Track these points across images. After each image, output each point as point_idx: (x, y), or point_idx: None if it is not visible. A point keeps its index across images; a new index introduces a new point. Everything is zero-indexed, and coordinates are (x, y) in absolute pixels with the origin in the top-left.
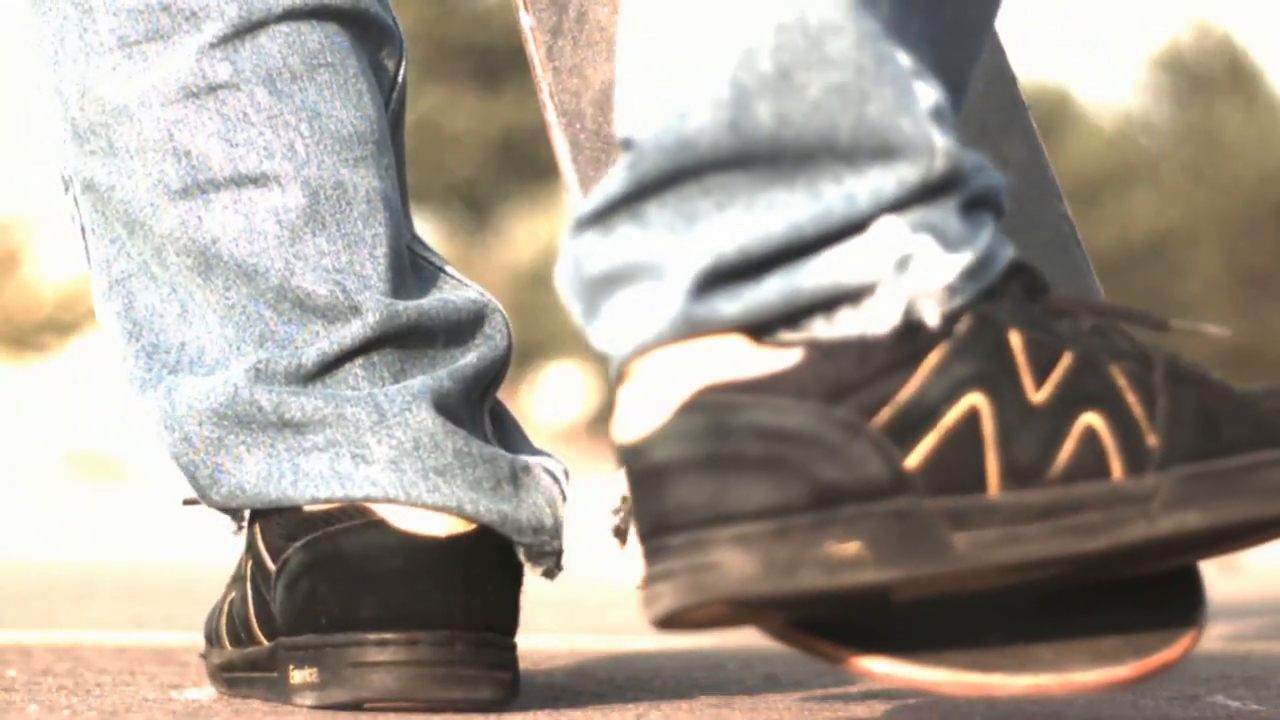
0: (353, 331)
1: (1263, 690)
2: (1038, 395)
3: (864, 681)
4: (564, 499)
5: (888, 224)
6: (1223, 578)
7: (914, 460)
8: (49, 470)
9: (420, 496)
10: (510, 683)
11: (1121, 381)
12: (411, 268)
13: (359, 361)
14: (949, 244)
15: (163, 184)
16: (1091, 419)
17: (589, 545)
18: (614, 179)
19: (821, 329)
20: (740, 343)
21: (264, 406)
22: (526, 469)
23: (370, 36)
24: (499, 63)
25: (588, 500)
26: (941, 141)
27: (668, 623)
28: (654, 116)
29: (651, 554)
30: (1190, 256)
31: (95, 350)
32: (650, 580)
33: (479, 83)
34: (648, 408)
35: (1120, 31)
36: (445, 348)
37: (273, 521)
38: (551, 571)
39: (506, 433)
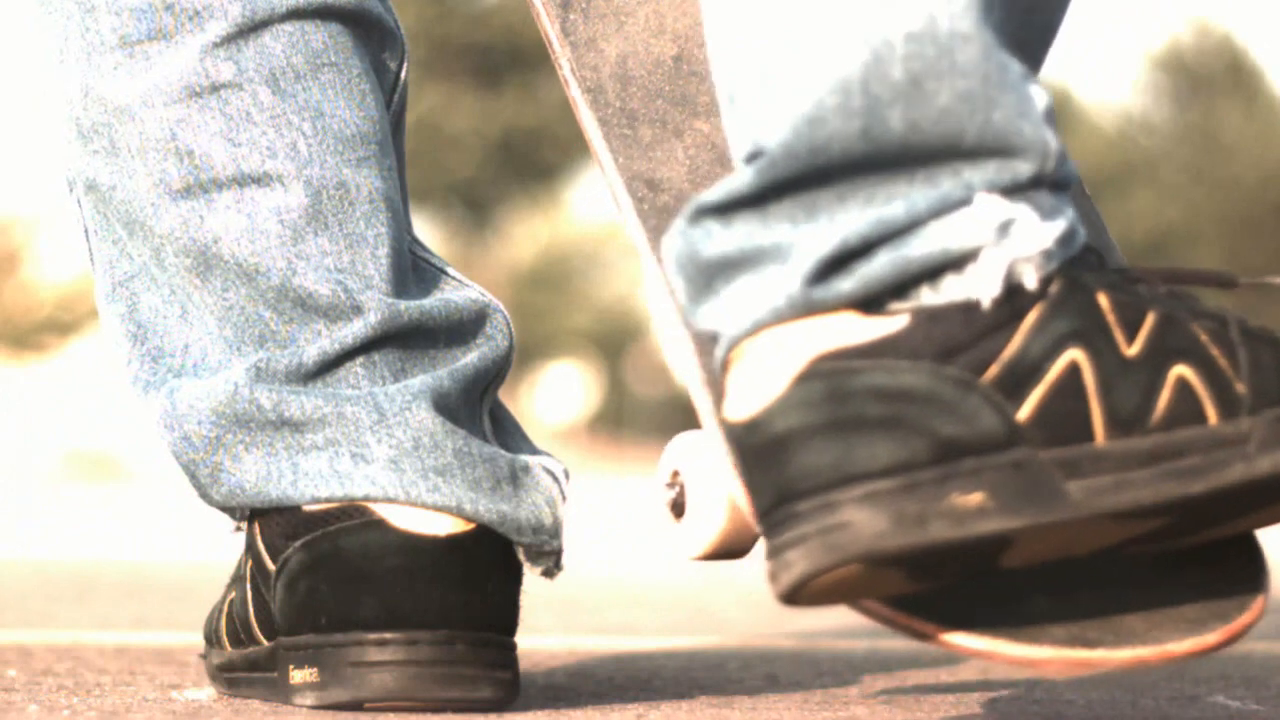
0: (354, 331)
1: (1263, 690)
2: (1130, 350)
3: (864, 681)
4: (564, 499)
5: (990, 197)
6: None
7: (1025, 413)
8: (49, 470)
9: (420, 496)
10: (510, 682)
11: (1204, 337)
12: (412, 269)
13: (360, 360)
14: (1044, 214)
15: (164, 183)
16: (1183, 370)
17: (589, 545)
18: (741, 178)
19: (928, 297)
20: (849, 316)
21: (263, 405)
22: (526, 468)
23: (373, 37)
24: (499, 63)
25: (587, 500)
26: (1054, 143)
27: (796, 593)
28: (786, 125)
29: (776, 524)
30: (1190, 256)
31: (95, 350)
32: (778, 550)
33: (479, 83)
34: (762, 383)
35: (1120, 31)
36: (446, 347)
37: (272, 521)
38: (551, 571)
39: (506, 432)
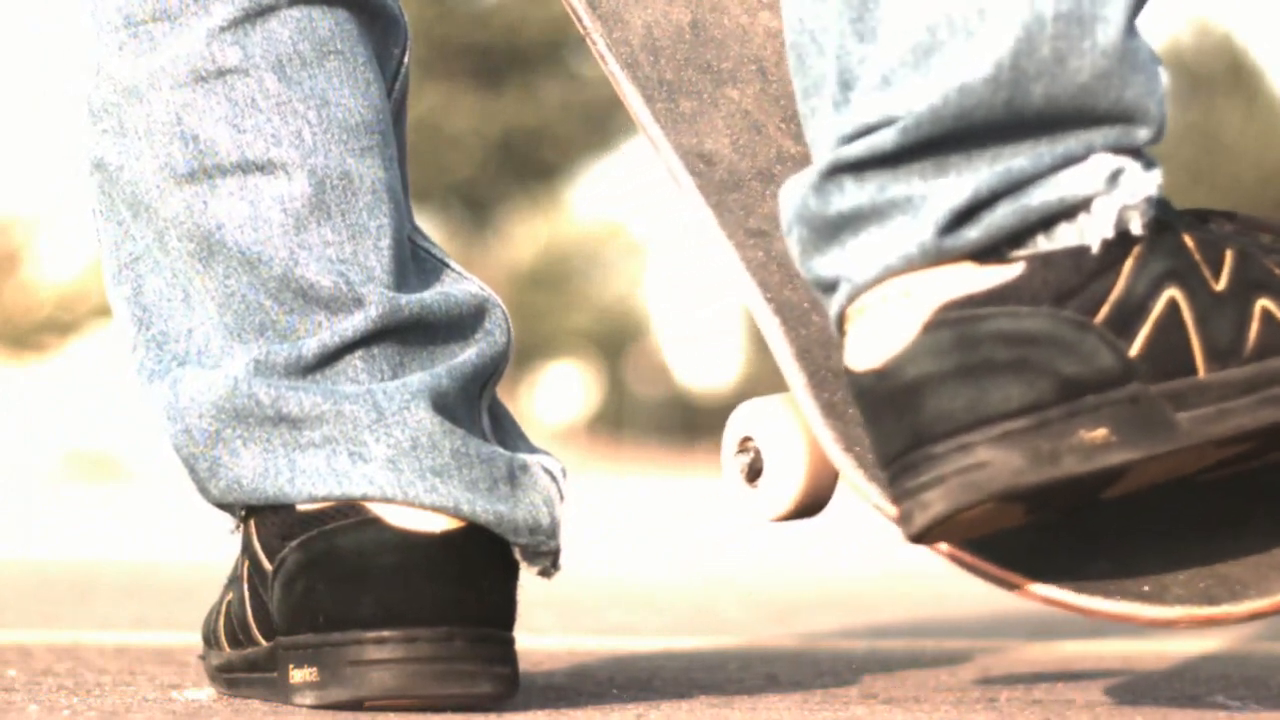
0: (355, 323)
1: (1263, 690)
2: (1219, 286)
3: (864, 681)
4: (561, 498)
5: (1105, 153)
6: None
7: (1135, 349)
8: (49, 470)
9: (418, 496)
10: (510, 677)
11: (1276, 270)
12: (413, 259)
13: (359, 354)
14: (1145, 165)
15: (169, 167)
16: (1266, 303)
17: (589, 545)
18: (883, 138)
19: (1042, 244)
20: (967, 266)
21: (262, 401)
22: (524, 468)
23: (377, 23)
24: (499, 63)
25: (587, 500)
26: (1166, 114)
27: (929, 532)
28: (937, 91)
29: (909, 467)
30: None
31: (95, 350)
32: (913, 492)
33: (479, 83)
34: (890, 332)
35: None
36: (445, 343)
37: (268, 520)
38: (548, 571)
39: (504, 430)
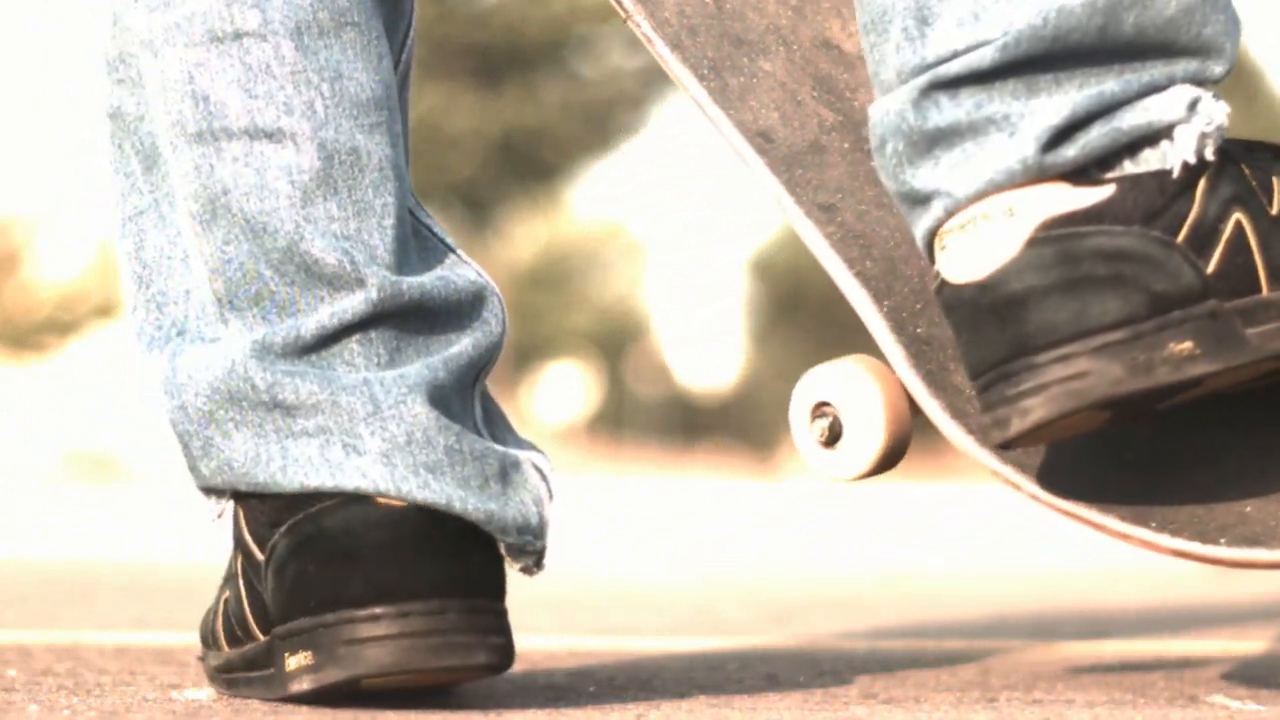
0: (354, 305)
1: (1263, 690)
2: (1273, 210)
3: (864, 681)
4: (550, 497)
5: (1185, 84)
6: (1223, 578)
7: (1211, 268)
8: (49, 470)
9: (410, 492)
10: (505, 648)
11: None
12: (414, 236)
13: (356, 338)
14: (1216, 96)
15: (180, 125)
16: None
17: (589, 545)
18: (980, 56)
19: (1129, 167)
20: (1061, 186)
21: (257, 385)
22: (516, 465)
23: None
24: (499, 63)
25: (587, 500)
26: (1236, 57)
27: (1023, 437)
28: (1037, 12)
29: (1006, 377)
30: None
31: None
32: (1013, 399)
33: (479, 83)
34: (994, 247)
35: None
36: (443, 330)
37: (255, 509)
38: (530, 569)
39: (493, 421)
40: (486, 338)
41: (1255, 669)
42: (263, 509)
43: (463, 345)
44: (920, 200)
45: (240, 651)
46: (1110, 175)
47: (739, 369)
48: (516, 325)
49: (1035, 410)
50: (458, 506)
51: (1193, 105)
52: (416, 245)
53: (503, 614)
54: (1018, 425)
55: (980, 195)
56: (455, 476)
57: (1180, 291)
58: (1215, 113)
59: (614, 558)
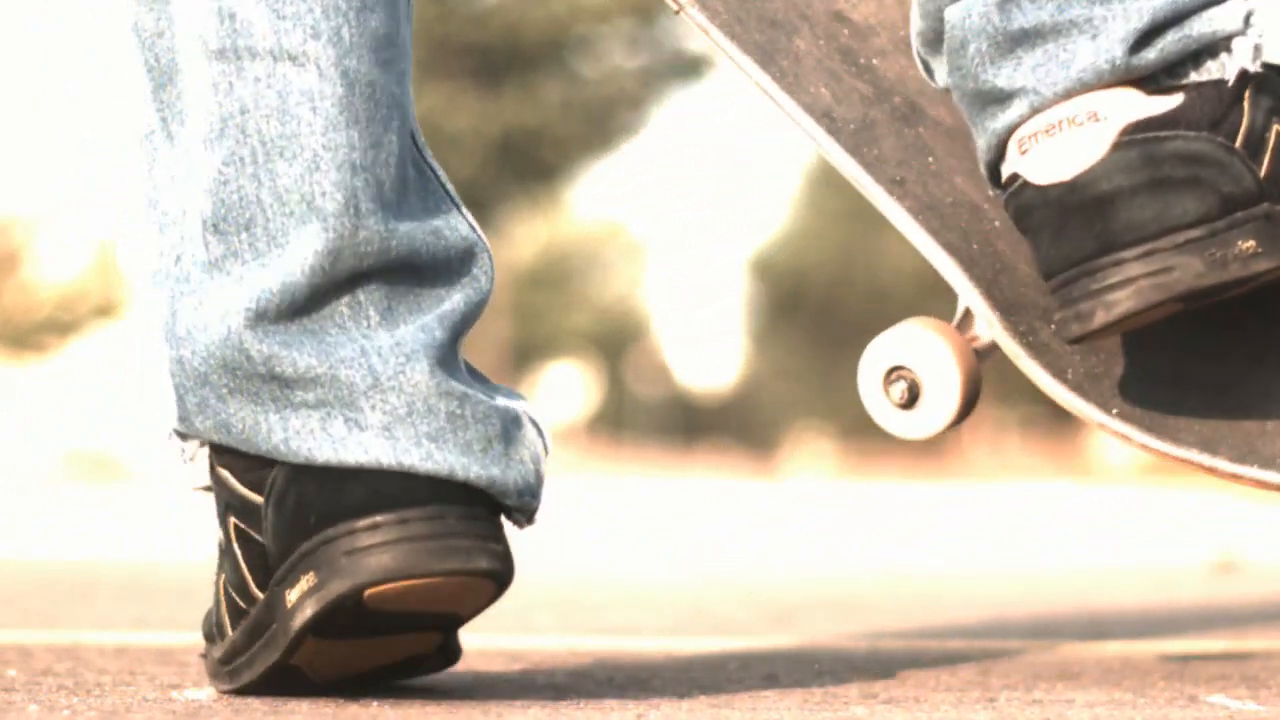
0: (346, 253)
1: (1263, 690)
2: None
3: (864, 681)
4: (546, 451)
5: None
6: (1223, 578)
7: (1263, 173)
8: (49, 470)
9: (413, 465)
10: (504, 555)
11: None
12: (418, 174)
13: (345, 300)
14: (1263, 12)
15: (203, 40)
16: None
17: (589, 545)
18: None
19: (1193, 76)
20: (1134, 92)
21: (253, 356)
22: (516, 421)
23: None
24: (499, 63)
25: (587, 500)
26: None
27: (1106, 329)
28: None
29: (1091, 273)
30: None
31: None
32: (1095, 294)
33: (479, 83)
34: (1081, 150)
35: None
36: (432, 286)
37: (242, 459)
38: (522, 524)
39: (475, 374)
40: (476, 294)
41: (1255, 669)
42: (249, 454)
43: (454, 302)
44: (1001, 99)
45: (243, 626)
46: (1178, 83)
47: (739, 369)
48: (517, 325)
49: (1123, 303)
50: (460, 475)
51: (1247, 19)
52: (419, 185)
53: (500, 526)
54: (1102, 318)
55: (1068, 94)
56: (458, 443)
57: (1243, 194)
58: (1265, 27)
59: (614, 558)
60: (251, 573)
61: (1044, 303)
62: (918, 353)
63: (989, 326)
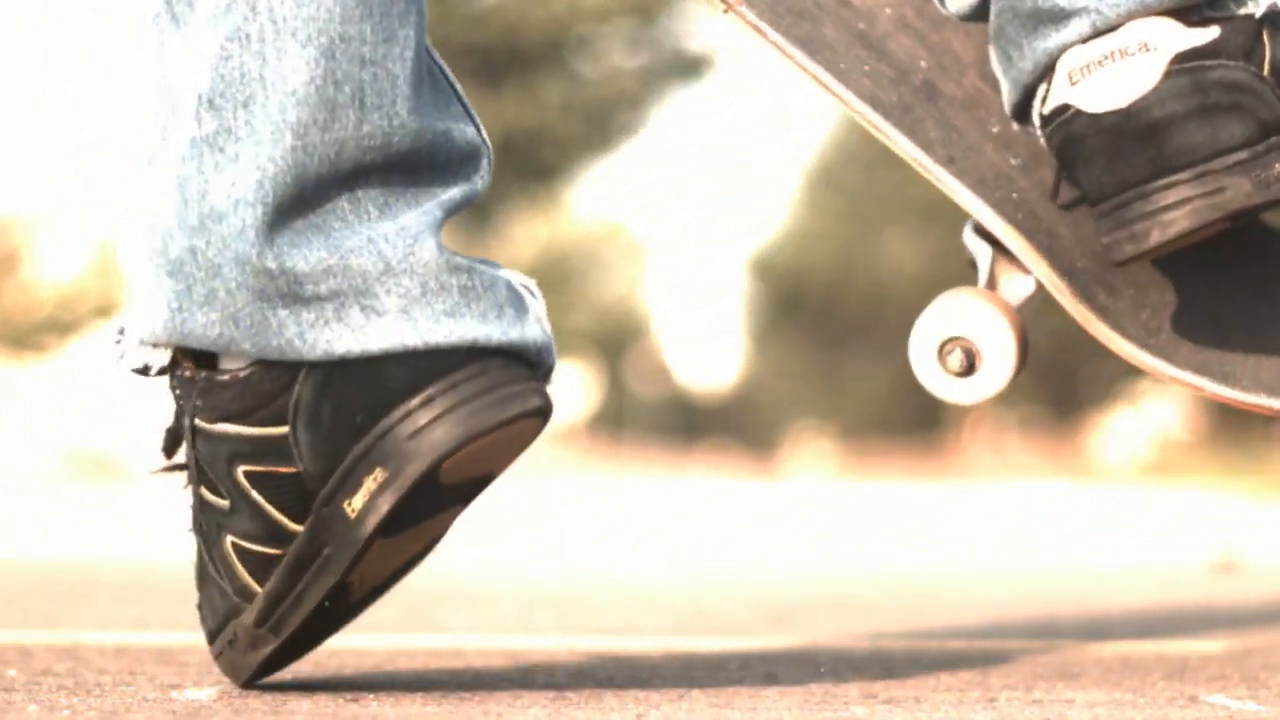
0: (348, 149)
1: (1263, 690)
2: None
3: (864, 681)
4: (544, 314)
5: None
6: (1223, 578)
7: None
8: (49, 470)
9: (439, 342)
10: (545, 393)
11: None
12: (428, 75)
13: (345, 196)
14: None
15: None
16: None
17: (589, 545)
18: None
19: (1233, 8)
20: (1176, 24)
21: (264, 253)
22: (511, 286)
23: None
24: (499, 63)
25: (587, 500)
26: None
27: (1159, 248)
28: None
29: (1145, 195)
30: None
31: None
32: (1150, 215)
33: (479, 83)
34: (1135, 78)
35: None
36: (429, 185)
37: (244, 403)
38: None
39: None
40: (471, 192)
41: (1255, 669)
42: (262, 385)
43: (450, 194)
44: (1059, 18)
45: (279, 572)
46: (1216, 15)
47: (739, 369)
48: None
49: (1179, 222)
50: (484, 342)
51: None
52: (430, 86)
53: (530, 365)
54: (1158, 237)
55: (1130, 15)
56: (474, 315)
57: (1275, 120)
58: None
59: (614, 558)
60: (282, 510)
61: (1090, 265)
62: (972, 322)
63: (1059, 294)
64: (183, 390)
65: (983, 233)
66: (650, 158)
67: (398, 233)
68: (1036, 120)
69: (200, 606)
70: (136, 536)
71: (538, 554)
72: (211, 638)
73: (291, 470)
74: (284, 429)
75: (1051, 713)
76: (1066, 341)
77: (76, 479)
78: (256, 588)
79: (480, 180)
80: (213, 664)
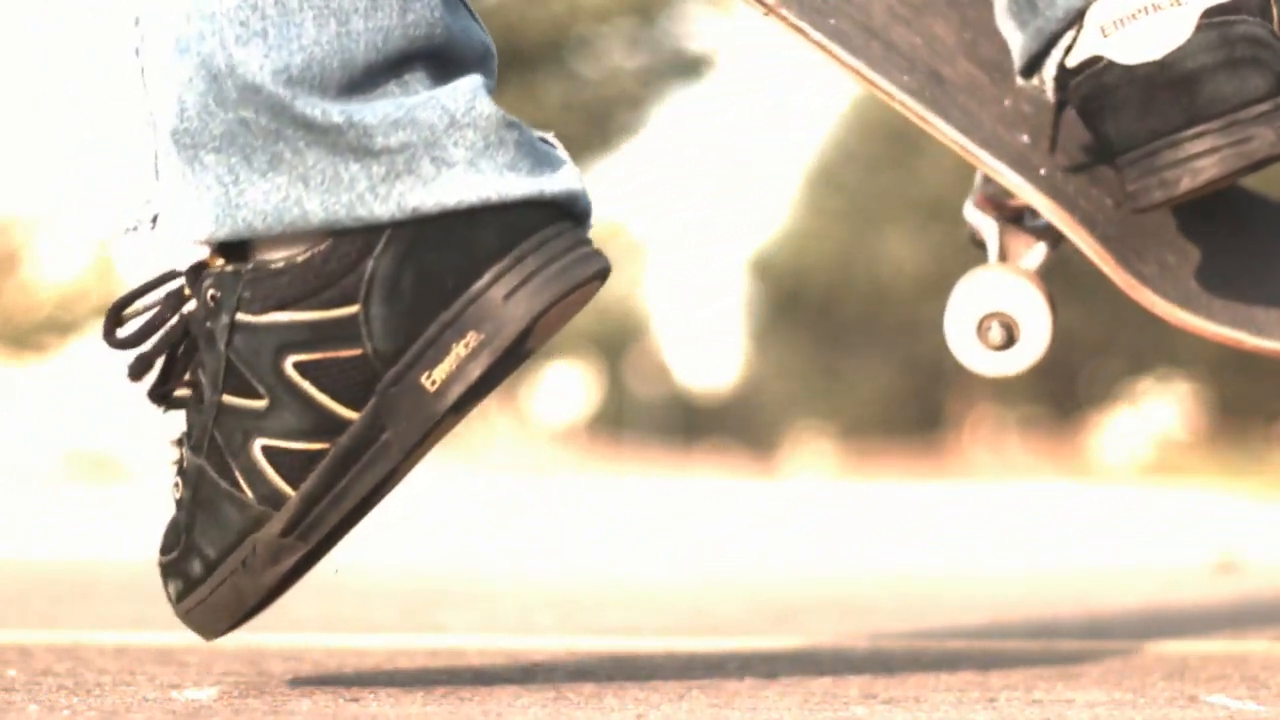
0: (393, 37)
1: (1263, 690)
2: None
3: (864, 681)
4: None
5: None
6: (1223, 578)
7: None
8: (49, 470)
9: (507, 194)
10: (598, 248)
11: None
12: None
13: (393, 81)
14: None
15: None
16: None
17: (589, 545)
18: None
19: None
20: None
21: (328, 109)
22: (546, 140)
23: None
24: (499, 63)
25: (587, 501)
26: None
27: (1189, 194)
28: None
29: (1176, 144)
30: None
31: (95, 350)
32: (1180, 162)
33: None
34: (1168, 32)
35: None
36: (460, 74)
37: (301, 286)
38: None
39: None
40: (490, 87)
41: (1255, 669)
42: (327, 265)
43: (485, 81)
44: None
45: (325, 466)
46: None
47: (739, 369)
48: None
49: (1209, 169)
50: (548, 193)
51: None
52: None
53: (579, 227)
54: (1188, 183)
55: None
56: (529, 167)
57: None
58: None
59: (614, 558)
60: (337, 398)
61: (1120, 232)
62: (1009, 296)
63: (1106, 267)
64: (221, 287)
65: (985, 207)
66: (650, 158)
67: (453, 92)
68: (1052, 71)
69: (178, 554)
70: (136, 536)
71: (538, 554)
72: (209, 571)
73: (355, 353)
74: (352, 308)
75: (1051, 713)
76: (1067, 341)
77: (76, 479)
78: (289, 491)
79: (493, 80)
80: (213, 664)
